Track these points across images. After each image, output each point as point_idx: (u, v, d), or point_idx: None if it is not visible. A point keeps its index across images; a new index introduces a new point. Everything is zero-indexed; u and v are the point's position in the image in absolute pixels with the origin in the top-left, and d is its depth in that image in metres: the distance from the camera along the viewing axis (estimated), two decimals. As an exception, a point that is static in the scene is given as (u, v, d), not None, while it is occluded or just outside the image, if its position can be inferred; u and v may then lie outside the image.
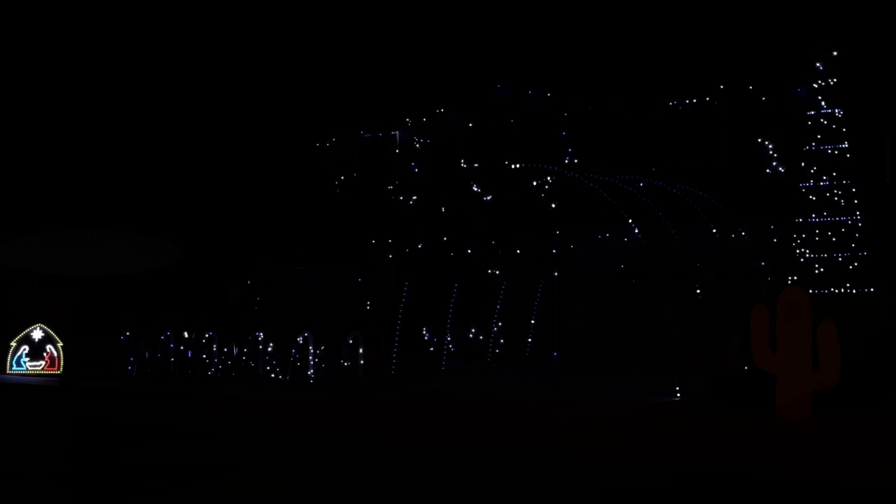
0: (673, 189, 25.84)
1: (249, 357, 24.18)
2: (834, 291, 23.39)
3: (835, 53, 24.57)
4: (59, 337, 25.75)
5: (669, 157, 27.28)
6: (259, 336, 24.34)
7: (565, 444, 13.59)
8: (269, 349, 24.23)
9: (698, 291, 25.03)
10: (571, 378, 23.97)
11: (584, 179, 28.57)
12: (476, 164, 30.07)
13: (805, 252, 23.91)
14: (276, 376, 23.70)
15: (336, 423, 16.05)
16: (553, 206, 28.79)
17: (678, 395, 19.34)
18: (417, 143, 31.33)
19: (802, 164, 24.63)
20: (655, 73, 27.61)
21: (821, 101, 24.01)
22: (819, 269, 23.52)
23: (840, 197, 23.78)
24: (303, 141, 32.87)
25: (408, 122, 31.56)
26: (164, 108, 31.89)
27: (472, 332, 29.08)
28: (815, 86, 24.35)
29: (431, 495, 10.28)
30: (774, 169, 25.82)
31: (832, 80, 24.20)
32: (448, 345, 28.87)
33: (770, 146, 25.95)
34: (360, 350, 23.72)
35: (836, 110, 24.01)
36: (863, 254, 23.49)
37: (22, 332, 25.71)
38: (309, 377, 23.46)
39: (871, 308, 22.47)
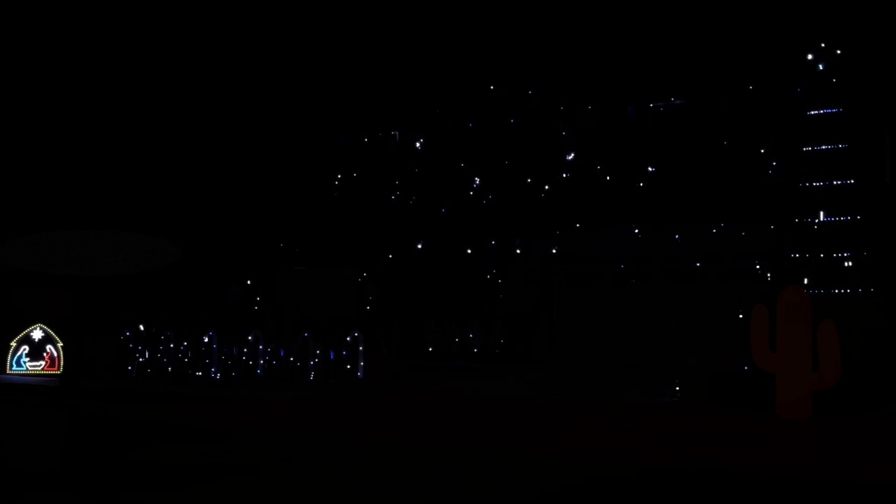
0: (673, 189, 25.84)
1: (249, 357, 24.18)
2: (834, 291, 23.39)
3: (835, 53, 24.58)
4: (59, 337, 25.75)
5: (669, 156, 27.27)
6: (259, 336, 24.34)
7: (565, 444, 13.59)
8: (269, 349, 24.24)
9: (698, 291, 25.04)
10: (571, 378, 23.95)
11: (584, 179, 28.58)
12: (475, 165, 30.09)
13: (805, 252, 23.90)
14: (276, 376, 23.70)
15: (336, 423, 16.04)
16: (553, 205, 28.82)
17: (678, 395, 19.34)
18: (417, 143, 31.33)
19: (802, 165, 24.63)
20: (656, 73, 27.60)
21: (821, 101, 24.01)
22: (819, 269, 23.53)
23: (840, 197, 23.79)
24: (302, 141, 32.86)
25: (409, 124, 31.58)
26: (165, 108, 31.87)
27: (472, 332, 29.07)
28: (815, 86, 24.34)
29: (431, 496, 10.27)
30: (774, 169, 25.81)
31: (832, 80, 24.20)
32: (448, 345, 28.87)
33: (770, 146, 25.94)
34: (360, 350, 23.71)
35: (837, 110, 24.02)
36: (863, 254, 23.49)
37: (22, 332, 25.70)
38: (309, 377, 23.46)
39: (871, 308, 22.48)
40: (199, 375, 24.23)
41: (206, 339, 24.63)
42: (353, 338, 23.70)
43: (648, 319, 26.05)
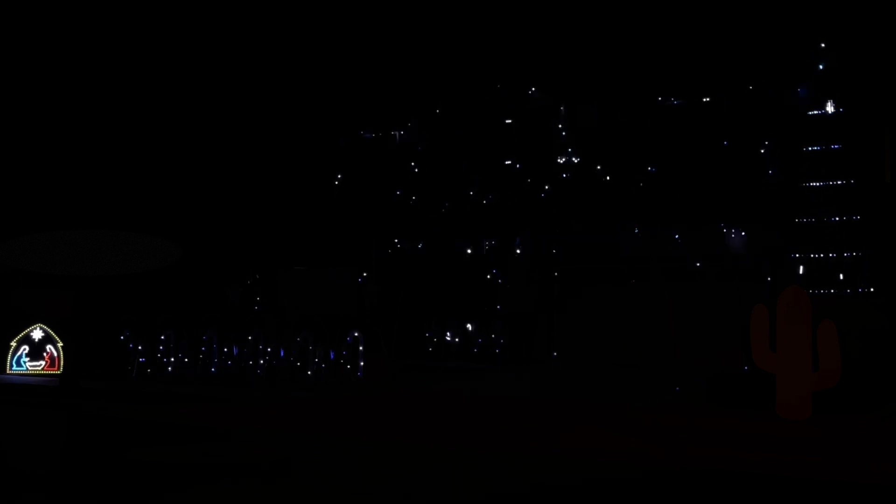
0: (673, 189, 25.83)
1: (249, 357, 24.18)
2: (834, 291, 23.39)
3: (834, 53, 24.58)
4: (59, 337, 25.74)
5: (669, 157, 27.27)
6: (259, 336, 24.34)
7: (565, 444, 13.58)
8: (269, 349, 24.22)
9: (698, 291, 25.02)
10: (571, 378, 23.94)
11: (584, 179, 28.57)
12: (476, 165, 30.09)
13: (805, 252, 23.91)
14: (276, 376, 23.70)
15: (336, 423, 16.04)
16: (553, 205, 28.81)
17: (678, 395, 19.34)
18: (418, 143, 31.33)
19: (802, 165, 24.64)
20: (656, 73, 27.60)
21: (821, 101, 24.01)
22: (819, 269, 23.54)
23: (840, 197, 23.80)
24: (303, 141, 32.87)
25: (409, 125, 31.60)
26: (165, 108, 31.87)
27: (471, 332, 29.06)
28: (815, 86, 24.35)
29: (431, 496, 10.27)
30: (774, 169, 25.82)
31: (832, 81, 24.22)
32: (448, 345, 28.85)
33: (770, 146, 25.94)
34: (360, 350, 23.71)
35: (837, 110, 24.02)
36: (863, 254, 23.51)
37: (22, 332, 25.70)
38: (309, 377, 23.45)
39: (871, 308, 22.49)
40: (198, 375, 24.22)
41: (206, 339, 24.63)
42: (353, 338, 23.70)
43: (648, 319, 26.03)
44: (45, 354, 25.83)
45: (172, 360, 24.95)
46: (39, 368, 25.74)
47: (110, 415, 16.82)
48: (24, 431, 11.47)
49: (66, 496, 10.23)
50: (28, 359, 25.71)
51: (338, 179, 32.19)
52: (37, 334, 25.82)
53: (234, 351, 24.30)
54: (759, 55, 25.97)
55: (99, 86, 31.34)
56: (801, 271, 23.98)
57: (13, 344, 25.61)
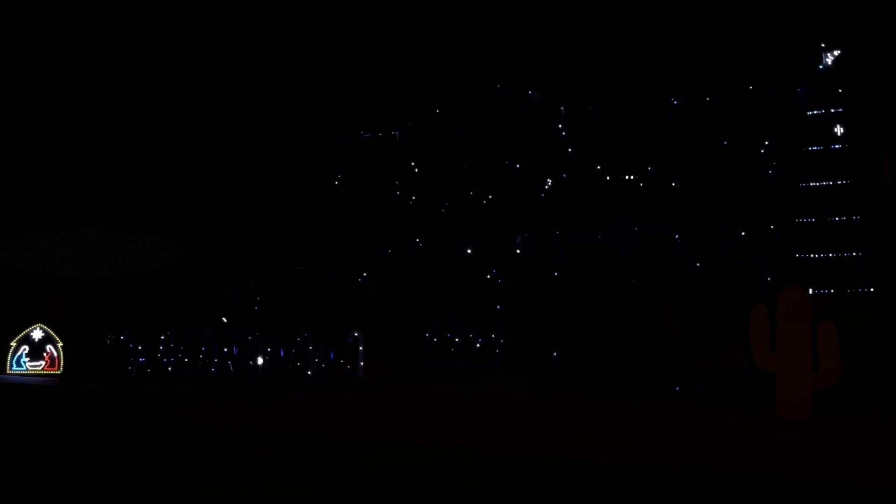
0: (673, 189, 25.82)
1: (249, 357, 24.18)
2: (834, 291, 23.39)
3: (835, 53, 24.58)
4: (59, 337, 25.75)
5: (669, 157, 27.27)
6: (259, 336, 24.34)
7: (565, 444, 13.59)
8: (269, 349, 24.23)
9: (698, 291, 25.02)
10: (571, 378, 23.96)
11: (583, 179, 28.56)
12: (476, 165, 30.09)
13: (805, 252, 23.91)
14: (276, 376, 23.70)
15: (336, 423, 16.05)
16: (553, 205, 28.82)
17: (678, 395, 19.34)
18: (417, 143, 31.33)
19: (802, 165, 24.64)
20: (655, 73, 27.60)
21: (821, 101, 24.01)
22: (819, 269, 23.54)
23: (840, 197, 23.80)
24: (303, 141, 32.87)
25: (408, 125, 31.61)
26: (165, 108, 31.87)
27: (472, 332, 29.08)
28: (815, 86, 24.35)
29: (431, 496, 10.27)
30: (774, 169, 25.82)
31: (832, 81, 24.22)
32: (448, 345, 28.86)
33: (770, 146, 25.94)
34: (360, 350, 23.71)
35: (837, 110, 24.02)
36: (863, 254, 23.50)
37: (22, 332, 25.71)
38: (309, 377, 23.46)
39: (871, 308, 22.49)
40: (198, 375, 24.22)
41: (206, 339, 24.63)
42: (354, 338, 23.70)
43: (648, 319, 26.03)
44: (45, 354, 25.84)
45: (172, 360, 24.95)
46: (39, 368, 25.75)
47: (110, 415, 16.83)
48: (24, 431, 11.47)
49: (66, 496, 10.22)
50: (28, 359, 25.71)
51: (338, 179, 32.19)
52: (37, 334, 25.83)
53: (234, 351, 24.30)
54: (759, 55, 25.96)
55: (99, 86, 31.35)
56: (801, 271, 23.98)
57: (13, 344, 25.62)
